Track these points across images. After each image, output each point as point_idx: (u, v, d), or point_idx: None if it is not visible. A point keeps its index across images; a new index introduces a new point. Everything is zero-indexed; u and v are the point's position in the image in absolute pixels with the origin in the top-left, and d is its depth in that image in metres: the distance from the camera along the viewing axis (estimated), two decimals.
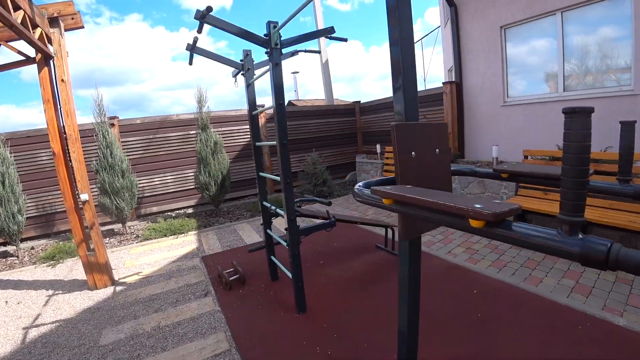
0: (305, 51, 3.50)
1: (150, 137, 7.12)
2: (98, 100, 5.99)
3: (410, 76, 1.37)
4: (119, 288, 4.12)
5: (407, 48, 1.33)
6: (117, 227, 6.52)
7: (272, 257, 3.55)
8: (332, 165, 8.87)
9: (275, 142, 2.63)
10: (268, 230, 3.42)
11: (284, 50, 2.68)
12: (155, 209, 7.25)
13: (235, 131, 7.85)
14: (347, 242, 4.80)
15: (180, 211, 7.37)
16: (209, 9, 2.16)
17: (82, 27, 4.13)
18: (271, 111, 8.21)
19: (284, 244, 2.95)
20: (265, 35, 2.57)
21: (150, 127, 7.14)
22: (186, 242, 5.51)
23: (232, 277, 3.67)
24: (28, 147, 6.42)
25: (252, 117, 3.25)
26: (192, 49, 2.97)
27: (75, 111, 4.00)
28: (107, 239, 6.03)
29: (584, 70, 5.30)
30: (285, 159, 2.57)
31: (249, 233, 5.66)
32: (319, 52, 3.71)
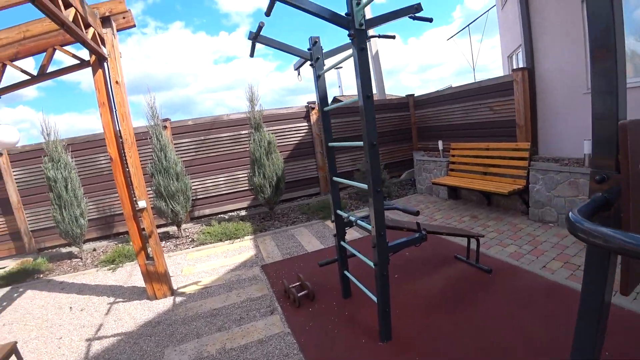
0: (380, 36, 3.03)
1: (202, 138, 6.98)
2: (151, 103, 5.90)
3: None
4: (178, 299, 3.91)
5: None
6: (172, 229, 6.44)
7: (346, 273, 3.13)
8: (386, 163, 8.29)
9: (361, 143, 2.20)
10: (342, 243, 3.01)
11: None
12: (208, 211, 7.12)
13: (287, 130, 7.52)
14: (421, 251, 4.27)
15: (233, 213, 7.18)
16: None
17: (134, 25, 3.92)
18: None
19: (370, 263, 2.50)
20: (346, 14, 2.14)
21: (202, 128, 7.00)
22: (243, 248, 5.25)
23: (300, 293, 3.30)
24: (87, 152, 6.50)
25: (324, 114, 2.83)
26: (255, 37, 2.60)
27: (130, 114, 3.82)
28: (163, 242, 5.94)
29: None
30: (375, 163, 2.13)
31: (309, 239, 5.29)
32: (393, 37, 3.21)
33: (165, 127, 6.44)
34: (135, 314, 3.68)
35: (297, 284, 3.50)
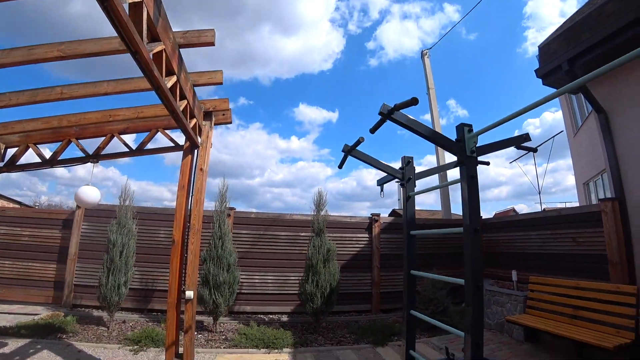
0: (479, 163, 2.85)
1: (261, 233, 6.94)
2: (223, 190, 6.10)
3: None
4: None
5: None
6: (207, 320, 6.01)
7: None
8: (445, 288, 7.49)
9: (461, 282, 1.83)
10: None
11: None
12: (249, 309, 6.67)
13: (346, 239, 7.26)
14: None
15: (274, 316, 6.65)
16: (415, 101, 1.67)
17: (231, 122, 4.21)
18: (387, 221, 7.61)
19: None
20: (457, 140, 1.99)
21: (263, 223, 7.01)
22: None
23: None
24: (151, 223, 6.70)
25: (410, 238, 2.54)
26: (350, 151, 2.52)
27: (204, 202, 3.85)
28: (195, 333, 5.49)
29: None
30: (477, 314, 1.73)
31: None
32: (487, 163, 3.00)
33: (229, 215, 6.52)
34: None
35: None
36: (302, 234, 6.93)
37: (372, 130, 2.01)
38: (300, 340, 5.36)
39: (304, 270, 5.90)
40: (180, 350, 3.68)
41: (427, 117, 13.11)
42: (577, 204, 9.95)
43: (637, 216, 5.20)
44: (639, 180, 5.32)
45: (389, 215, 10.28)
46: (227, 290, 5.47)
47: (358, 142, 2.38)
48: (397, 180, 2.76)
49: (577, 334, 4.23)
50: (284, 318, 6.59)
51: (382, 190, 3.05)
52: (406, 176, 2.64)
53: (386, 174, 2.92)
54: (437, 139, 1.95)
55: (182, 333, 3.65)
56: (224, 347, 5.07)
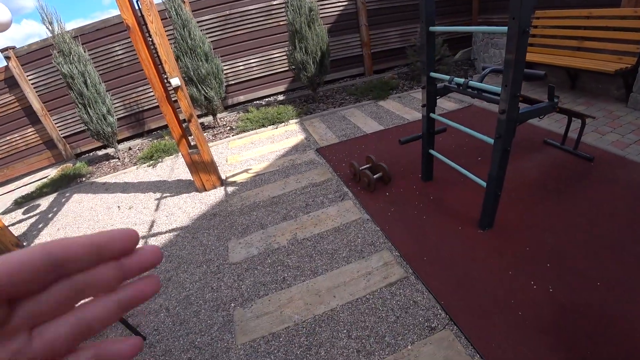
0: None
1: (227, 13, 5.93)
2: None
3: None
4: (230, 189, 3.59)
5: None
6: (207, 120, 5.98)
7: (432, 151, 2.57)
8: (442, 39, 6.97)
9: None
10: (432, 114, 2.38)
11: None
12: (242, 98, 6.48)
13: None
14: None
15: (270, 99, 6.52)
16: None
17: None
18: None
19: (484, 138, 1.90)
20: None
21: (225, 0, 5.90)
22: (290, 133, 4.73)
23: (375, 175, 2.83)
24: (100, 42, 5.69)
25: None
26: None
27: None
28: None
29: None
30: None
31: (364, 120, 4.67)
32: None
33: (183, 1, 5.45)
34: (187, 208, 3.43)
35: (367, 165, 3.02)
36: (275, 2, 5.97)
37: None
38: (303, 110, 5.39)
39: (289, 40, 5.29)
40: (193, 142, 3.64)
41: None
42: None
43: None
44: None
45: None
46: (214, 81, 5.09)
47: None
48: None
49: (581, 63, 4.01)
50: (280, 97, 6.48)
51: None
52: None
53: None
54: None
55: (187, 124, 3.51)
56: (232, 135, 5.15)
